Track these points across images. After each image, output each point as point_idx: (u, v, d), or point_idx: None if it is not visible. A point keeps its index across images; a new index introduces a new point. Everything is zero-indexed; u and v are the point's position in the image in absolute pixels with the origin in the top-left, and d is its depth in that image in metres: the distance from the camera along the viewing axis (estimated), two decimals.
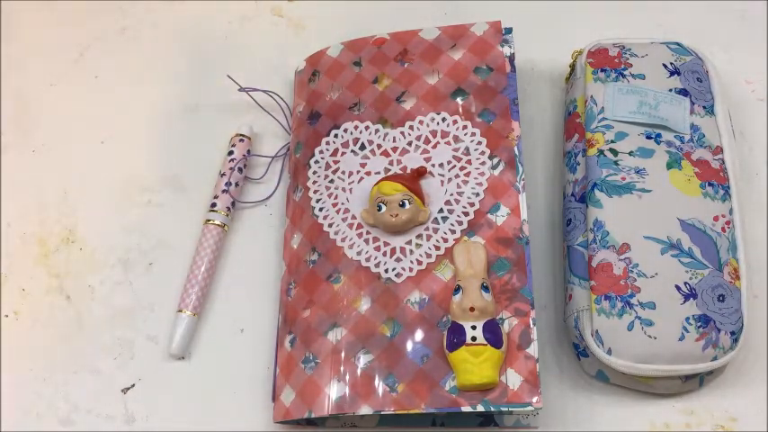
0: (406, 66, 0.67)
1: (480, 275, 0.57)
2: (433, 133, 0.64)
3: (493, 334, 0.55)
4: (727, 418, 0.59)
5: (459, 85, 0.65)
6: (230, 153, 0.69)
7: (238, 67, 0.72)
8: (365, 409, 0.56)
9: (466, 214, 0.60)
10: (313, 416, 0.57)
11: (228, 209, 0.67)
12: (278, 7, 0.79)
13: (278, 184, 0.69)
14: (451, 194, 0.61)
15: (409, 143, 0.64)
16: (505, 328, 0.56)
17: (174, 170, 0.71)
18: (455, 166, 0.62)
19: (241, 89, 0.70)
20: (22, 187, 0.71)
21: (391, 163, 0.63)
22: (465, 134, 0.63)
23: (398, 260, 0.60)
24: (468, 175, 0.62)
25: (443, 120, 0.64)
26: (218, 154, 0.70)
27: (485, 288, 0.56)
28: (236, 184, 0.68)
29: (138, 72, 0.76)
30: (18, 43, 0.78)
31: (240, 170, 0.68)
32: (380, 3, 0.77)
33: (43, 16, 0.79)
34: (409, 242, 0.60)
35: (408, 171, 0.62)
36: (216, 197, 0.67)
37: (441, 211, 0.61)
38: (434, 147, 0.63)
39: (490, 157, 0.62)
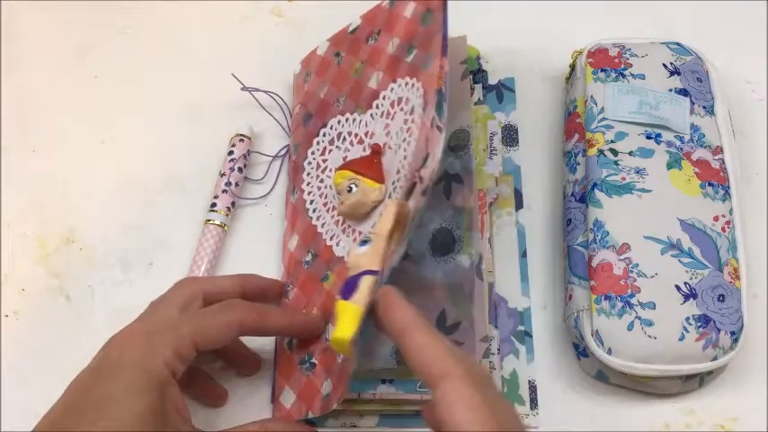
0: (371, 43, 0.65)
1: (382, 235, 0.51)
2: (392, 104, 0.61)
3: (346, 287, 0.50)
4: (727, 418, 0.59)
5: (411, 42, 0.61)
6: (230, 153, 0.69)
7: (238, 68, 0.72)
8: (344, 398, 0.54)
9: (408, 178, 0.54)
10: (311, 416, 0.57)
11: (228, 209, 0.67)
12: (278, 7, 0.79)
13: (275, 182, 0.69)
14: (401, 162, 0.57)
15: (377, 123, 0.62)
16: (360, 281, 0.49)
17: (174, 170, 0.71)
18: (404, 130, 0.58)
19: (244, 88, 0.70)
20: (22, 187, 0.71)
21: (365, 149, 0.62)
22: (412, 92, 0.59)
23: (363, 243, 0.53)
24: (411, 134, 0.57)
25: (399, 86, 0.61)
26: (218, 154, 0.70)
27: (363, 242, 0.51)
28: (237, 184, 0.68)
29: (138, 72, 0.76)
30: (18, 43, 0.78)
31: (240, 170, 0.68)
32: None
33: (43, 16, 0.79)
34: (374, 225, 0.55)
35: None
36: (216, 197, 0.67)
37: (394, 182, 0.57)
38: (392, 118, 0.60)
39: (426, 108, 0.56)
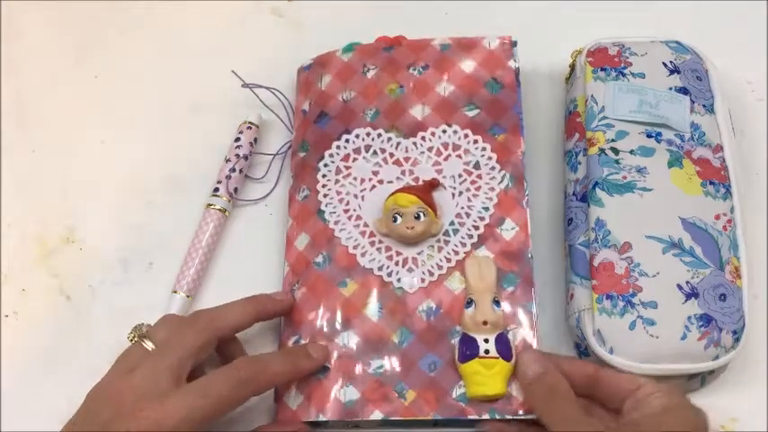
0: (417, 75, 0.67)
1: (491, 289, 0.58)
2: (445, 146, 0.64)
3: (504, 347, 0.56)
4: (727, 418, 0.59)
5: (471, 99, 0.65)
6: (237, 140, 0.69)
7: (238, 68, 0.72)
8: (376, 415, 0.56)
9: (476, 228, 0.61)
10: (323, 419, 0.57)
11: (231, 195, 0.67)
12: (278, 7, 0.79)
13: (276, 182, 0.69)
14: (462, 208, 0.62)
15: (421, 153, 0.64)
16: (510, 339, 0.57)
17: (175, 170, 0.71)
18: (466, 179, 0.63)
19: (245, 85, 0.70)
20: (22, 187, 0.71)
21: (403, 173, 0.64)
22: (476, 148, 0.64)
23: (410, 270, 0.60)
24: (478, 189, 0.62)
25: (455, 132, 0.64)
26: (218, 154, 0.70)
27: (496, 302, 0.57)
28: (241, 171, 0.68)
29: (138, 72, 0.76)
30: (18, 43, 0.78)
31: (246, 157, 0.68)
32: (380, 3, 0.77)
33: (43, 16, 0.79)
34: (421, 253, 0.61)
35: (421, 182, 0.63)
36: (219, 182, 0.67)
37: (452, 223, 0.61)
38: (446, 159, 0.64)
39: (499, 172, 0.62)
